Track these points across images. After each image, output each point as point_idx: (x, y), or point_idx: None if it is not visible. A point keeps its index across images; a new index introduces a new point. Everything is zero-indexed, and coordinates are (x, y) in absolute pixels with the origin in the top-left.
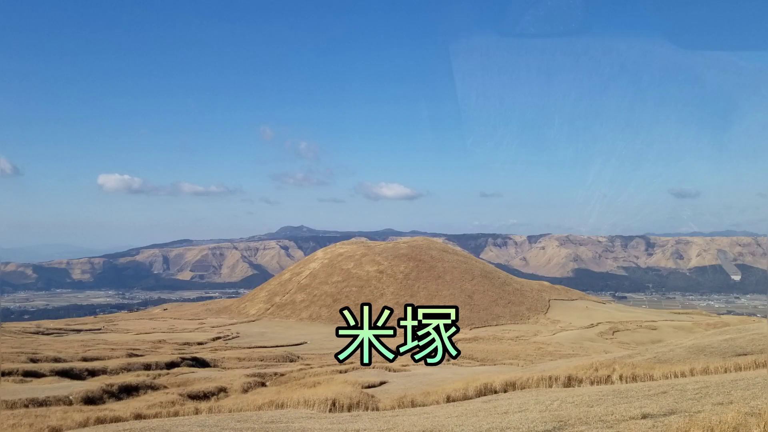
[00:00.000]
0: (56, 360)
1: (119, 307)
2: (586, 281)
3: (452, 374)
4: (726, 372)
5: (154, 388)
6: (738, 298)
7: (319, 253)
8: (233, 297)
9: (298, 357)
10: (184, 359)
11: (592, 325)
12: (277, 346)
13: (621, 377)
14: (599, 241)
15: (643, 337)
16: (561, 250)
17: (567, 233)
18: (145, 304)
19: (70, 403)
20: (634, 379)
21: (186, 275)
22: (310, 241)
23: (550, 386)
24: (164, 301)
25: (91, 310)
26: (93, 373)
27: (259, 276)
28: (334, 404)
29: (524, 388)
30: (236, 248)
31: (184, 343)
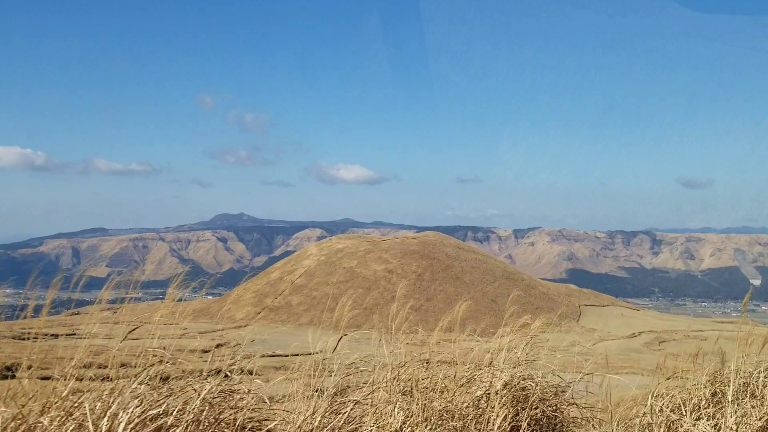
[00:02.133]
0: (100, 366)
1: (23, 309)
2: (581, 284)
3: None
4: None
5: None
6: (758, 305)
7: (312, 248)
8: (161, 298)
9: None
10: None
11: (633, 335)
12: (295, 355)
13: None
14: (597, 237)
15: (693, 348)
16: (553, 246)
17: (560, 227)
18: (53, 305)
19: None
20: None
21: (102, 271)
22: (253, 231)
23: None
24: (78, 302)
25: None
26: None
27: (192, 273)
28: None
29: None
30: (162, 239)
31: (190, 351)
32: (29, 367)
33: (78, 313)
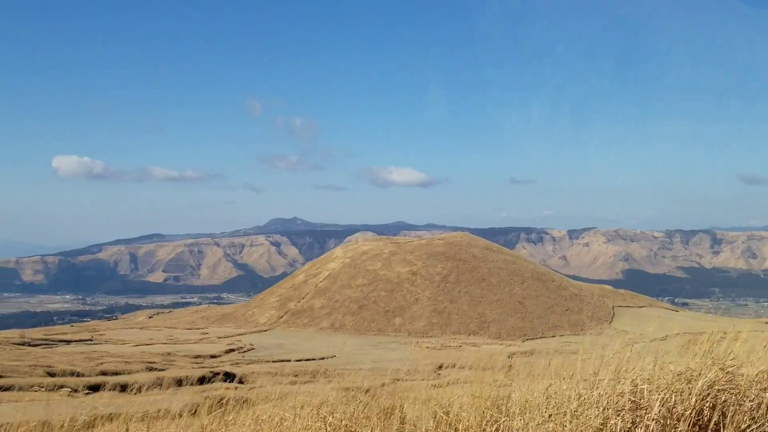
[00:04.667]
0: (74, 374)
1: (80, 315)
2: (639, 284)
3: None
4: None
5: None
6: None
7: (338, 251)
8: (216, 303)
9: (333, 372)
10: (215, 374)
11: (667, 337)
12: (303, 360)
13: None
14: (654, 237)
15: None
16: (608, 247)
17: (615, 227)
18: (111, 310)
19: (181, 416)
20: None
21: (158, 276)
22: (305, 236)
23: None
24: (133, 307)
25: (47, 318)
26: (125, 389)
27: (246, 277)
28: None
29: None
30: (217, 244)
31: (196, 356)
32: None
33: (116, 319)
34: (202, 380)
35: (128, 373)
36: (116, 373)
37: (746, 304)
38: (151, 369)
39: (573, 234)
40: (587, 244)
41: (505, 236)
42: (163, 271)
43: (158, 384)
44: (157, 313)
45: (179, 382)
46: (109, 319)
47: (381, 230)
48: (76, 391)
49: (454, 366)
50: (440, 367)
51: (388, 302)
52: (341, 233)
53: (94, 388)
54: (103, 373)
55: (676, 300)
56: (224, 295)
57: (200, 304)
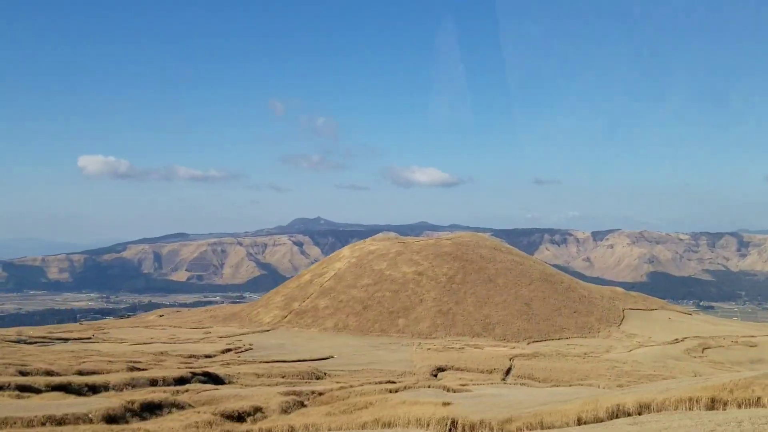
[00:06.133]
0: (48, 373)
1: (103, 312)
2: (663, 287)
3: (527, 396)
4: None
5: (178, 406)
6: None
7: (345, 251)
8: (238, 302)
9: (326, 374)
10: (194, 374)
11: (676, 341)
12: (299, 361)
13: None
14: (680, 239)
15: (739, 355)
16: (633, 249)
17: (641, 229)
18: (134, 309)
19: (91, 422)
20: None
21: (181, 275)
22: (328, 236)
23: (691, 408)
24: (156, 305)
25: (71, 316)
26: (94, 389)
27: (268, 277)
28: (454, 424)
29: (660, 410)
30: (240, 244)
31: (190, 356)
32: None
33: (128, 317)
34: (180, 381)
35: (107, 373)
36: (93, 373)
37: None
38: (132, 369)
39: (597, 235)
40: (611, 246)
41: (528, 237)
42: (186, 270)
43: (131, 385)
44: (177, 311)
45: (154, 383)
46: (121, 317)
47: (404, 231)
48: (27, 390)
49: (452, 368)
50: (438, 369)
51: (393, 303)
52: (364, 233)
53: (62, 388)
54: (80, 373)
55: (701, 303)
56: (246, 294)
57: (222, 303)
